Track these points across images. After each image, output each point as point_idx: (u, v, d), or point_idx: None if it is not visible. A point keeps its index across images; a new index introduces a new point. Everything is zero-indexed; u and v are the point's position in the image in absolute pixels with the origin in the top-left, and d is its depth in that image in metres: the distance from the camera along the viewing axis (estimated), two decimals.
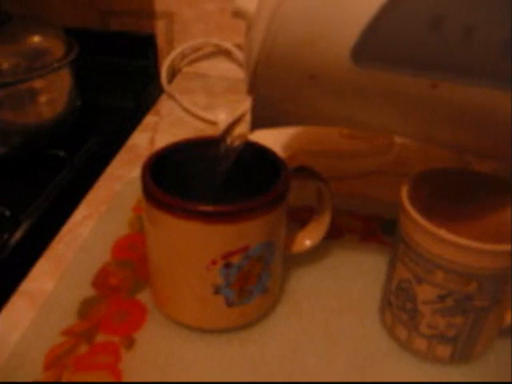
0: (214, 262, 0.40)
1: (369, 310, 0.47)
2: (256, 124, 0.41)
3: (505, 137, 0.35)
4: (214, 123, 0.75)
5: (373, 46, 0.31)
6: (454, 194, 0.45)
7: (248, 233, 0.39)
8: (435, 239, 0.37)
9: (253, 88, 0.37)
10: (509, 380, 0.43)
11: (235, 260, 0.40)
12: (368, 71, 0.33)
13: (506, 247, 0.36)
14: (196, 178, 0.47)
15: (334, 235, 0.56)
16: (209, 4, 0.89)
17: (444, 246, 0.37)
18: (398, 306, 0.43)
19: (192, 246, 0.40)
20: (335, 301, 0.48)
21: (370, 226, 0.57)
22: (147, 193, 0.40)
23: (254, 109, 0.39)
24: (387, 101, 0.36)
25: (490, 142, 0.39)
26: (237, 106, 0.70)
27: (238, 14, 0.39)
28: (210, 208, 0.38)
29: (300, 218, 0.52)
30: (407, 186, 0.41)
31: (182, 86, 0.88)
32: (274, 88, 0.36)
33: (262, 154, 0.44)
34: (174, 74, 0.92)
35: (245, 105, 0.41)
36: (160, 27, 0.92)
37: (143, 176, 0.40)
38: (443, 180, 0.45)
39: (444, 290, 0.39)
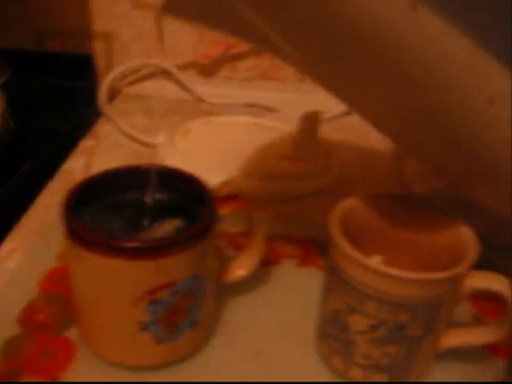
0: (138, 299, 0.38)
1: (305, 338, 0.46)
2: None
3: None
4: (152, 146, 0.73)
5: None
6: (388, 218, 0.44)
7: (173, 268, 0.38)
8: (365, 270, 0.37)
9: None
10: None
11: (161, 296, 0.38)
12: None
13: (435, 276, 0.36)
14: (123, 209, 0.45)
15: (271, 261, 0.55)
16: (148, 24, 0.88)
17: (374, 276, 0.37)
18: (332, 336, 0.42)
19: (115, 283, 0.38)
20: (271, 330, 0.47)
21: (307, 250, 0.56)
22: (67, 227, 0.38)
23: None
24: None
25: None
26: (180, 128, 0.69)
27: None
28: (131, 244, 0.37)
29: (239, 244, 0.50)
30: (336, 215, 0.40)
31: (122, 107, 0.86)
32: None
33: (190, 182, 0.43)
34: (114, 95, 0.90)
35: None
36: (99, 48, 0.90)
37: (63, 210, 0.39)
38: (376, 205, 0.44)
39: (376, 320, 0.38)
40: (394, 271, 0.36)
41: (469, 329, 0.43)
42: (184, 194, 0.43)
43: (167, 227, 0.41)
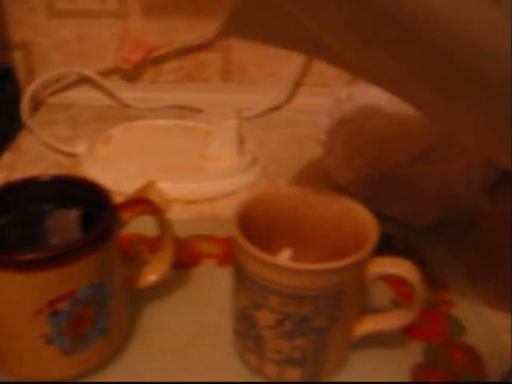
0: (38, 312, 0.37)
1: (224, 338, 0.46)
2: (233, 26, 0.35)
3: None
4: (74, 156, 0.72)
5: None
6: (295, 212, 0.44)
7: (71, 277, 0.37)
8: (263, 264, 0.37)
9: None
10: None
11: (62, 307, 0.37)
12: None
13: (330, 265, 0.36)
14: (22, 221, 0.44)
15: (191, 262, 0.54)
16: (67, 32, 0.86)
17: (272, 270, 0.36)
18: (244, 334, 0.41)
19: (13, 296, 0.37)
20: (190, 332, 0.47)
21: (228, 250, 0.55)
22: None
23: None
24: None
25: None
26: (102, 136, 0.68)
27: None
28: (25, 256, 0.36)
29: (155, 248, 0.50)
30: (237, 212, 0.40)
31: (46, 118, 0.85)
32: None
33: (90, 190, 0.42)
34: (38, 106, 0.89)
35: None
36: (18, 59, 0.89)
37: None
38: (283, 199, 0.44)
39: (281, 314, 0.38)
40: (288, 264, 0.36)
41: (381, 315, 0.43)
42: (86, 202, 0.42)
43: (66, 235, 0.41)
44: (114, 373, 0.43)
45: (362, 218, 0.41)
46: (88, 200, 0.42)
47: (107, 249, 0.39)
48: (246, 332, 0.41)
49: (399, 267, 0.39)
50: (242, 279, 0.39)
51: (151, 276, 0.46)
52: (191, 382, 0.42)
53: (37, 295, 0.37)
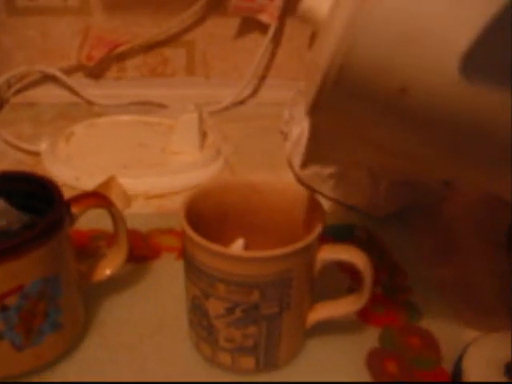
0: None
1: (180, 330, 0.46)
2: (308, 159, 0.36)
3: None
4: (36, 154, 0.72)
5: (491, 53, 0.24)
6: (246, 203, 0.44)
7: (18, 271, 0.37)
8: (208, 253, 0.37)
9: (315, 108, 0.29)
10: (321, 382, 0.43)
11: (11, 302, 0.37)
12: (478, 88, 0.26)
13: (274, 252, 0.36)
14: None
15: (151, 255, 0.54)
16: (29, 30, 0.86)
17: (218, 259, 0.37)
18: (196, 323, 0.42)
19: None
20: (147, 325, 0.47)
21: None
22: None
23: (310, 139, 0.33)
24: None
25: None
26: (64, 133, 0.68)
27: (305, 17, 0.31)
28: None
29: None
30: (185, 202, 0.40)
31: (9, 117, 0.84)
32: (345, 108, 0.29)
33: (40, 184, 0.42)
34: (1, 105, 0.88)
35: None
36: None
37: None
38: (235, 190, 0.44)
39: (229, 303, 0.38)
40: (232, 252, 0.36)
41: (332, 301, 0.44)
42: (36, 197, 0.42)
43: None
44: (68, 367, 0.43)
45: (310, 206, 0.41)
46: (38, 195, 0.42)
47: (56, 242, 0.39)
48: (199, 322, 0.41)
49: (347, 253, 0.40)
50: (192, 269, 0.39)
51: (105, 270, 0.46)
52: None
53: None
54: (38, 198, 0.42)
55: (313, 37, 0.32)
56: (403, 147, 0.32)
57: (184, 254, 0.40)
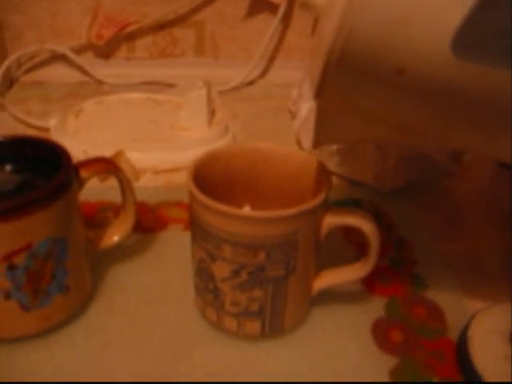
0: None
1: (186, 297, 0.46)
2: (319, 140, 0.37)
3: None
4: (46, 129, 0.72)
5: (483, 30, 0.25)
6: (254, 170, 0.45)
7: (28, 229, 0.37)
8: (216, 214, 0.37)
9: (320, 90, 0.30)
10: (324, 349, 0.43)
11: (19, 260, 0.38)
12: (469, 65, 0.26)
13: (281, 213, 0.36)
14: None
15: (158, 226, 0.55)
16: (39, 9, 0.86)
17: (225, 219, 0.37)
18: (202, 288, 0.42)
19: None
20: (153, 293, 0.47)
21: None
22: None
23: (318, 121, 0.35)
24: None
25: None
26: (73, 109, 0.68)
27: (305, 4, 0.32)
28: None
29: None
30: (194, 165, 0.40)
31: (19, 95, 0.85)
32: (348, 89, 0.30)
33: (49, 149, 0.42)
34: (11, 84, 0.88)
35: None
36: None
37: None
38: (240, 157, 0.44)
39: (235, 265, 0.38)
40: (239, 212, 0.36)
41: (338, 268, 0.44)
42: (44, 163, 0.43)
43: None
44: (75, 331, 0.43)
45: (317, 173, 0.41)
46: (47, 160, 0.42)
47: (65, 204, 0.39)
48: (205, 286, 0.41)
49: (354, 217, 0.40)
50: (198, 231, 0.39)
51: (113, 237, 0.46)
52: None
53: None
54: (46, 163, 0.42)
55: (315, 24, 0.33)
56: (405, 119, 0.32)
57: (191, 217, 0.40)
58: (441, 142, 0.36)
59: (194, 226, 0.40)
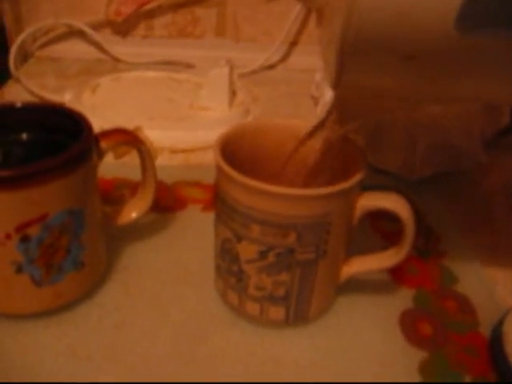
0: (7, 236, 0.35)
1: (205, 279, 0.44)
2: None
3: None
4: (60, 104, 0.70)
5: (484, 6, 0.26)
6: (282, 148, 0.42)
7: (44, 199, 0.35)
8: (246, 190, 0.35)
9: (338, 82, 0.31)
10: (349, 339, 0.40)
11: (33, 232, 0.35)
12: (475, 40, 0.27)
13: (315, 191, 0.34)
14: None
15: (177, 206, 0.52)
16: None
17: (255, 196, 0.34)
18: (225, 270, 0.40)
19: None
20: (170, 274, 0.45)
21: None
22: None
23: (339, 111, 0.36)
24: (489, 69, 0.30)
25: None
26: (90, 85, 0.66)
27: None
28: None
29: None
30: (220, 140, 0.38)
31: (33, 70, 0.83)
32: (364, 78, 0.31)
33: (68, 117, 0.40)
34: (26, 58, 0.86)
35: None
36: (6, 10, 0.86)
37: None
38: (268, 134, 0.42)
39: (263, 246, 0.36)
40: (273, 188, 0.33)
41: (369, 255, 0.41)
42: (64, 131, 0.40)
43: None
44: (88, 310, 0.41)
45: (351, 152, 0.39)
46: (67, 128, 0.40)
47: (83, 174, 0.37)
48: (228, 268, 0.39)
49: (390, 201, 0.38)
50: (224, 209, 0.37)
51: (131, 213, 0.44)
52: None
53: (6, 218, 0.35)
54: (65, 132, 0.40)
55: (319, 15, 0.33)
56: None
57: (216, 194, 0.38)
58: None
59: (220, 203, 0.37)
